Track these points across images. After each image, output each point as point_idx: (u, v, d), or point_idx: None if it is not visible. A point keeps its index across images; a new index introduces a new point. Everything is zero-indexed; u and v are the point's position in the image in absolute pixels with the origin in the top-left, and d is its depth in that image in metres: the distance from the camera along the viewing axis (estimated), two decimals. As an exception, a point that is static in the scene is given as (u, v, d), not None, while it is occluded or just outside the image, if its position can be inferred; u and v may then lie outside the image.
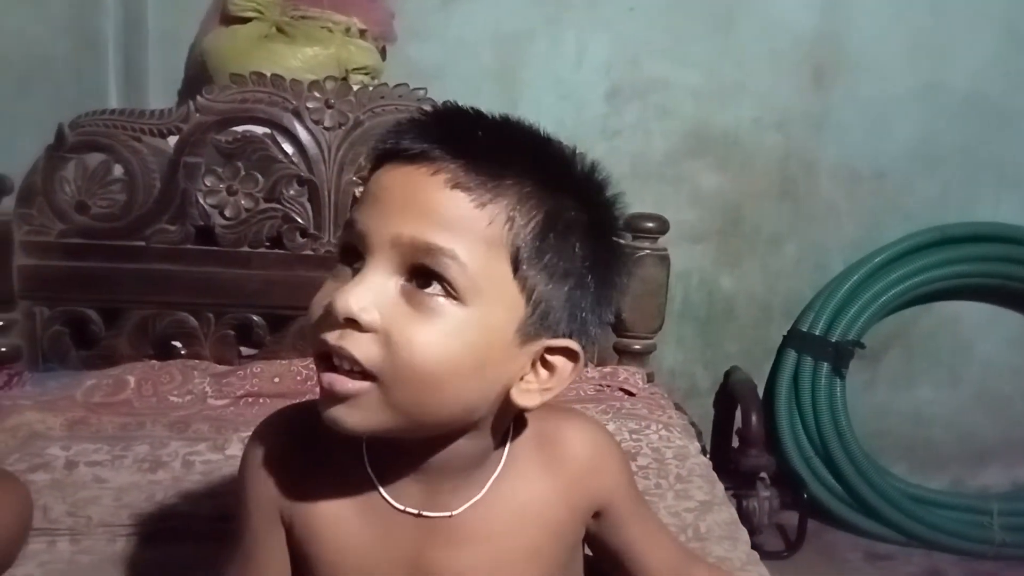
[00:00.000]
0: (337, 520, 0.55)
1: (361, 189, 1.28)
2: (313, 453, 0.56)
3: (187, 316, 1.28)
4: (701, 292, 1.90)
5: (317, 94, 1.26)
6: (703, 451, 1.20)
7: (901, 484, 1.87)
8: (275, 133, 1.26)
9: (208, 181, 1.25)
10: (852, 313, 1.80)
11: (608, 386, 1.28)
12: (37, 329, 1.25)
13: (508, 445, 0.57)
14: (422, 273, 0.47)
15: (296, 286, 1.28)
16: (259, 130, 1.26)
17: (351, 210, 0.52)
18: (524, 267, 0.48)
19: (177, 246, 1.26)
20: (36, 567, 0.83)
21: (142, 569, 0.85)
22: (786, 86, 1.81)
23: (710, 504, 1.00)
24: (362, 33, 1.53)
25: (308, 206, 1.28)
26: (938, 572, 1.77)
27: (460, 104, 0.53)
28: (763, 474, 1.60)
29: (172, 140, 1.26)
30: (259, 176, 1.26)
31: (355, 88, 1.30)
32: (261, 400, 1.17)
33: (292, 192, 1.27)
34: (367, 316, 0.46)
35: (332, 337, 0.47)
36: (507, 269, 0.48)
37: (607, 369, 1.34)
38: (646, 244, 1.37)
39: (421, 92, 1.29)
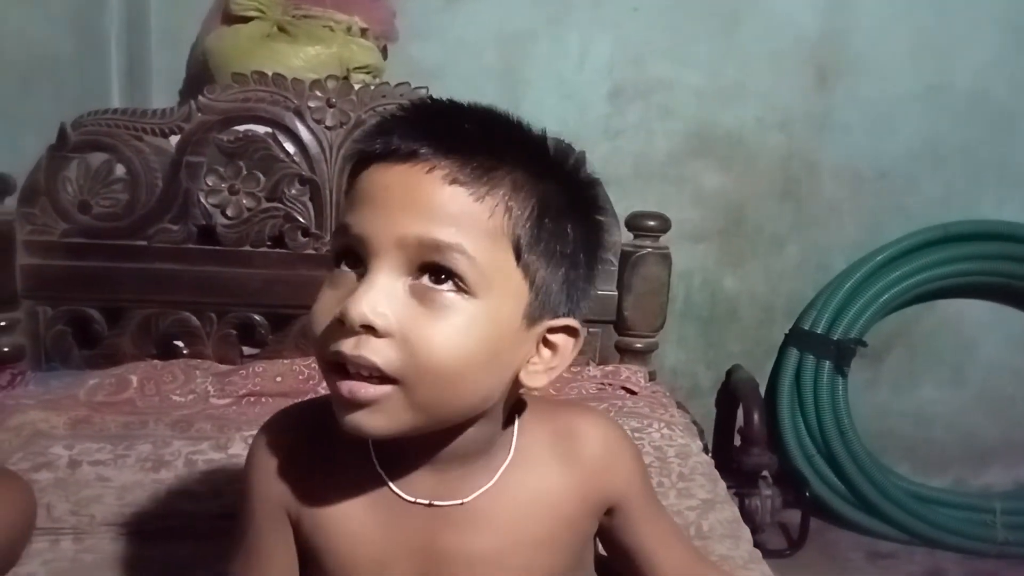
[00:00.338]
0: (346, 514, 0.55)
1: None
2: (319, 449, 0.56)
3: (189, 315, 1.28)
4: (703, 291, 1.90)
5: (319, 93, 1.26)
6: (705, 450, 1.21)
7: (903, 483, 1.87)
8: (277, 132, 1.26)
9: (210, 180, 1.25)
10: (854, 312, 1.80)
11: (610, 384, 1.28)
12: (40, 328, 1.26)
13: (516, 432, 0.57)
14: (431, 271, 0.47)
15: (298, 285, 1.28)
16: (261, 129, 1.26)
17: (343, 214, 0.51)
18: (525, 254, 0.49)
19: (179, 245, 1.26)
20: (40, 566, 0.83)
21: (145, 568, 0.85)
22: (789, 86, 1.81)
23: (712, 503, 1.00)
24: (364, 32, 1.53)
25: (310, 205, 1.28)
26: (940, 571, 1.77)
27: (439, 98, 0.53)
28: (765, 473, 1.60)
29: (174, 139, 1.26)
30: (261, 175, 1.26)
31: (357, 87, 1.30)
32: (263, 399, 1.17)
33: (294, 191, 1.27)
34: (383, 321, 0.46)
35: (348, 347, 0.46)
36: (510, 258, 0.49)
37: (609, 368, 1.34)
38: (648, 243, 1.37)
39: (423, 91, 1.29)
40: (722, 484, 1.07)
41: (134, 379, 1.17)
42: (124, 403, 1.13)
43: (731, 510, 1.00)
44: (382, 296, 0.46)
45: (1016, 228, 1.84)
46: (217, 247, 1.27)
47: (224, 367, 1.24)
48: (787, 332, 1.89)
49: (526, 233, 0.49)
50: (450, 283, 0.47)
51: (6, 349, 1.23)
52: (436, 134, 0.48)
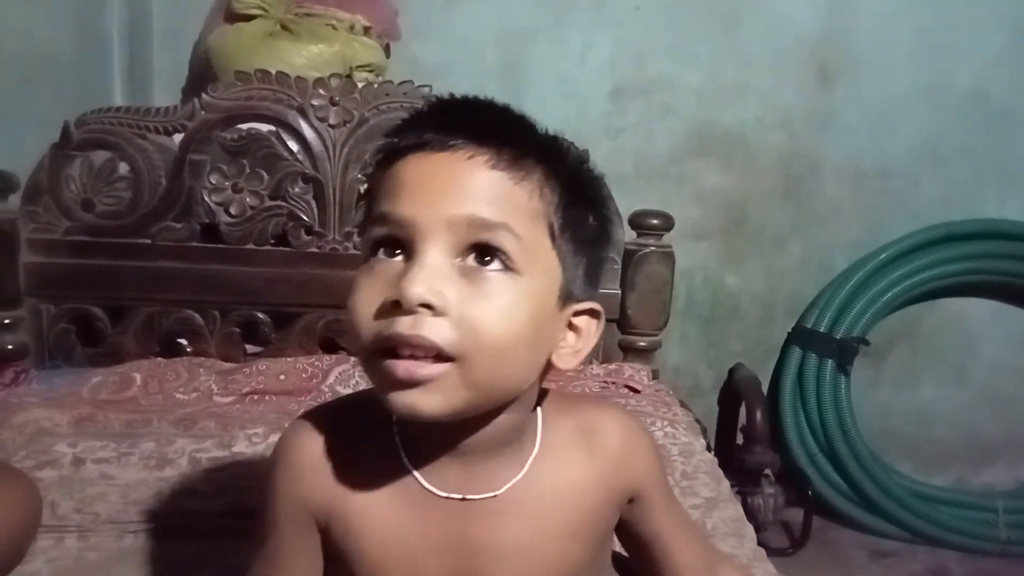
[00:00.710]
0: (378, 514, 0.55)
1: (366, 186, 1.28)
2: (345, 451, 0.56)
3: (193, 314, 1.28)
4: (705, 290, 1.90)
5: (322, 91, 1.26)
6: (708, 448, 1.21)
7: (906, 481, 1.87)
8: (280, 131, 1.26)
9: (213, 179, 1.25)
10: (856, 310, 1.80)
11: (613, 383, 1.28)
12: (43, 326, 1.26)
13: (540, 424, 0.58)
14: (479, 250, 0.49)
15: (301, 283, 1.28)
16: (264, 127, 1.26)
17: (379, 204, 0.51)
18: (557, 238, 0.52)
19: (182, 244, 1.26)
20: (44, 563, 0.83)
21: (149, 565, 0.85)
22: (790, 85, 1.81)
23: (716, 501, 1.00)
24: (366, 30, 1.53)
25: (313, 203, 1.28)
26: (943, 569, 1.77)
27: (465, 94, 0.55)
28: (767, 471, 1.60)
29: (177, 138, 1.26)
30: (264, 174, 1.27)
31: (360, 86, 1.30)
32: (267, 397, 1.17)
33: (297, 189, 1.27)
34: (440, 300, 0.47)
35: (404, 327, 0.47)
36: (547, 240, 0.51)
37: (612, 366, 1.34)
38: (651, 241, 1.37)
39: (426, 90, 1.29)
40: (725, 483, 1.07)
41: (138, 377, 1.17)
42: (128, 401, 1.13)
43: (735, 508, 1.00)
44: (436, 275, 0.48)
45: (1017, 227, 1.84)
46: (220, 245, 1.27)
47: (227, 365, 1.24)
48: (789, 331, 1.89)
49: (557, 218, 0.51)
50: (497, 262, 0.49)
51: (10, 347, 1.23)
52: (470, 126, 0.50)
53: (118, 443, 1.01)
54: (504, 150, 0.50)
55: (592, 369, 1.32)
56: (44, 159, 1.23)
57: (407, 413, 0.49)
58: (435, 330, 0.47)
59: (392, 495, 0.55)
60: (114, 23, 1.56)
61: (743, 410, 1.70)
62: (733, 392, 1.82)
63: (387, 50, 1.60)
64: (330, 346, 1.32)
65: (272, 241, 1.29)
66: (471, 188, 0.49)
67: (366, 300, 0.49)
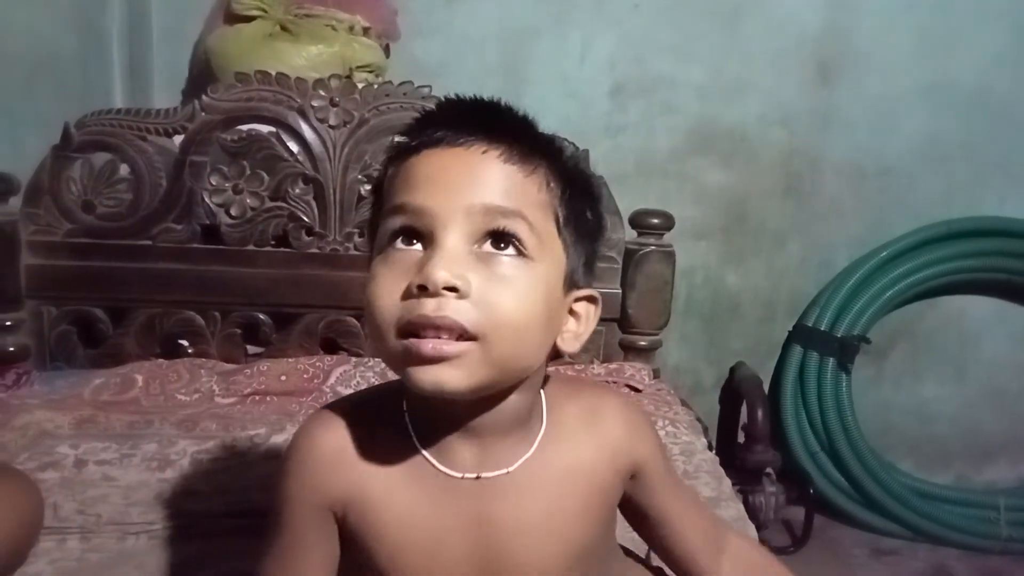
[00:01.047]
0: (396, 501, 0.57)
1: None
2: (359, 442, 0.58)
3: (194, 315, 1.28)
4: (706, 288, 1.90)
5: (322, 92, 1.26)
6: (709, 447, 1.21)
7: (907, 479, 1.87)
8: (280, 132, 1.27)
9: (214, 180, 1.26)
10: (857, 308, 1.80)
11: (614, 382, 1.28)
12: (44, 328, 1.26)
13: (545, 406, 0.61)
14: (495, 237, 0.52)
15: (302, 284, 1.29)
16: (264, 129, 1.26)
17: (395, 197, 0.54)
18: (563, 228, 0.55)
19: (183, 245, 1.27)
20: (47, 564, 0.83)
21: (151, 567, 0.85)
22: (791, 83, 1.81)
23: (717, 500, 1.01)
24: (366, 31, 1.52)
25: (314, 204, 1.28)
26: (944, 567, 1.77)
27: (474, 95, 0.57)
28: (769, 470, 1.60)
29: (178, 139, 1.26)
30: (264, 175, 1.27)
31: (360, 86, 1.30)
32: (268, 398, 1.18)
33: (297, 190, 1.28)
34: (463, 283, 0.50)
35: (430, 309, 0.50)
36: (554, 229, 0.55)
37: (613, 365, 1.34)
38: (651, 240, 1.37)
39: (426, 90, 1.29)
40: (727, 481, 1.07)
41: (139, 378, 1.17)
42: (129, 402, 1.13)
43: (736, 507, 1.01)
44: (458, 260, 0.51)
45: (1019, 224, 1.84)
46: (221, 246, 1.28)
47: (229, 366, 1.24)
48: (790, 329, 1.89)
49: (562, 210, 0.55)
50: (511, 248, 0.53)
51: (11, 349, 1.23)
52: (482, 123, 0.54)
53: (120, 444, 1.01)
54: (515, 146, 0.53)
55: (593, 368, 1.32)
56: (44, 161, 1.23)
57: (433, 388, 0.51)
58: (459, 311, 0.50)
59: (408, 479, 0.57)
60: (114, 23, 1.56)
61: (744, 409, 1.70)
62: (734, 391, 1.82)
63: (387, 50, 1.60)
64: (331, 347, 1.32)
65: (273, 242, 1.29)
66: (486, 180, 0.52)
67: (387, 287, 0.52)
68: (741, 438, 1.69)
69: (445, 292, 0.50)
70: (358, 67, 1.47)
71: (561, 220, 0.55)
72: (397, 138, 0.57)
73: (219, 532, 0.89)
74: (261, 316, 1.30)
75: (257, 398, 1.17)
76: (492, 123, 0.54)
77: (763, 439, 1.62)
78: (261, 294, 1.29)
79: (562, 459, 0.59)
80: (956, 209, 1.84)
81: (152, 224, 1.26)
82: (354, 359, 1.26)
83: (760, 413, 1.64)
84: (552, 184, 0.55)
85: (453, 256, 0.51)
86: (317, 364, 1.23)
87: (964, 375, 1.95)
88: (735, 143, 1.83)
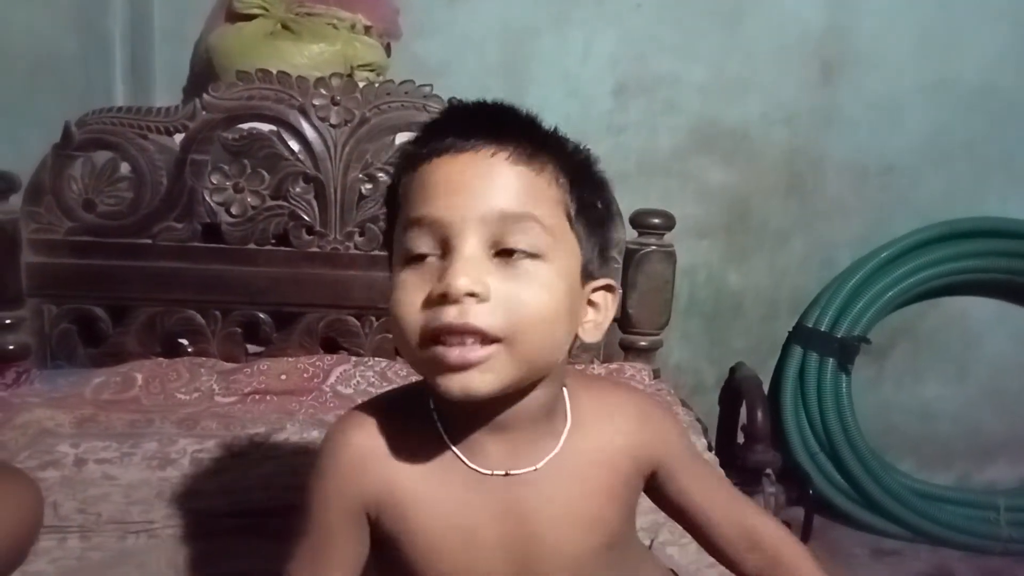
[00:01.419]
0: (429, 498, 0.58)
1: (368, 189, 1.28)
2: (390, 443, 0.59)
3: (194, 314, 1.28)
4: (707, 288, 1.89)
5: (323, 91, 1.26)
6: (709, 447, 1.21)
7: (907, 480, 1.87)
8: (281, 130, 1.27)
9: (215, 179, 1.26)
10: (858, 309, 1.80)
11: (614, 383, 1.27)
12: (45, 327, 1.26)
13: (568, 401, 0.62)
14: (511, 240, 0.53)
15: (302, 283, 1.29)
16: (265, 127, 1.26)
17: (411, 209, 0.55)
18: (574, 222, 0.57)
19: (184, 244, 1.27)
20: (47, 563, 0.84)
21: (152, 566, 0.85)
22: (793, 81, 1.80)
23: (717, 501, 1.00)
24: (367, 30, 1.52)
25: (314, 203, 1.28)
26: (945, 568, 1.77)
27: (478, 100, 0.59)
28: (769, 470, 1.59)
29: (179, 138, 1.26)
30: (265, 173, 1.27)
31: (361, 85, 1.30)
32: (268, 397, 1.18)
33: (298, 189, 1.28)
34: (483, 288, 0.51)
35: (452, 316, 0.51)
36: (567, 225, 0.56)
37: (613, 365, 1.34)
38: (652, 240, 1.37)
39: (427, 89, 1.29)
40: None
41: (139, 377, 1.17)
42: (130, 401, 1.14)
43: (735, 508, 1.00)
44: (477, 266, 0.52)
45: (1021, 225, 1.83)
46: (222, 245, 1.28)
47: (229, 365, 1.24)
48: (791, 329, 1.88)
49: (572, 204, 0.57)
50: (528, 248, 0.53)
51: (11, 347, 1.23)
52: (487, 127, 0.55)
53: (120, 443, 1.01)
54: (522, 146, 0.54)
55: (593, 368, 1.32)
56: (46, 159, 1.24)
57: (462, 395, 0.52)
58: (480, 316, 0.51)
59: (440, 477, 0.58)
60: (116, 22, 1.56)
61: (744, 409, 1.70)
62: (734, 391, 1.82)
63: (388, 49, 1.59)
64: (331, 346, 1.32)
65: (273, 241, 1.29)
66: (498, 184, 0.53)
67: (409, 297, 0.54)
68: (741, 438, 1.69)
69: (466, 299, 0.51)
70: (359, 66, 1.47)
71: (573, 214, 0.56)
72: (406, 147, 0.58)
73: (220, 531, 0.90)
74: (261, 315, 1.30)
75: (257, 397, 1.17)
76: (498, 125, 0.55)
77: (763, 439, 1.62)
78: (261, 293, 1.29)
79: (588, 452, 0.61)
80: (958, 209, 1.84)
81: (153, 223, 1.26)
82: (354, 358, 1.26)
83: (760, 413, 1.64)
84: (561, 179, 0.56)
85: (472, 262, 0.52)
86: (317, 363, 1.23)
87: (965, 375, 1.95)
88: (737, 142, 1.82)
